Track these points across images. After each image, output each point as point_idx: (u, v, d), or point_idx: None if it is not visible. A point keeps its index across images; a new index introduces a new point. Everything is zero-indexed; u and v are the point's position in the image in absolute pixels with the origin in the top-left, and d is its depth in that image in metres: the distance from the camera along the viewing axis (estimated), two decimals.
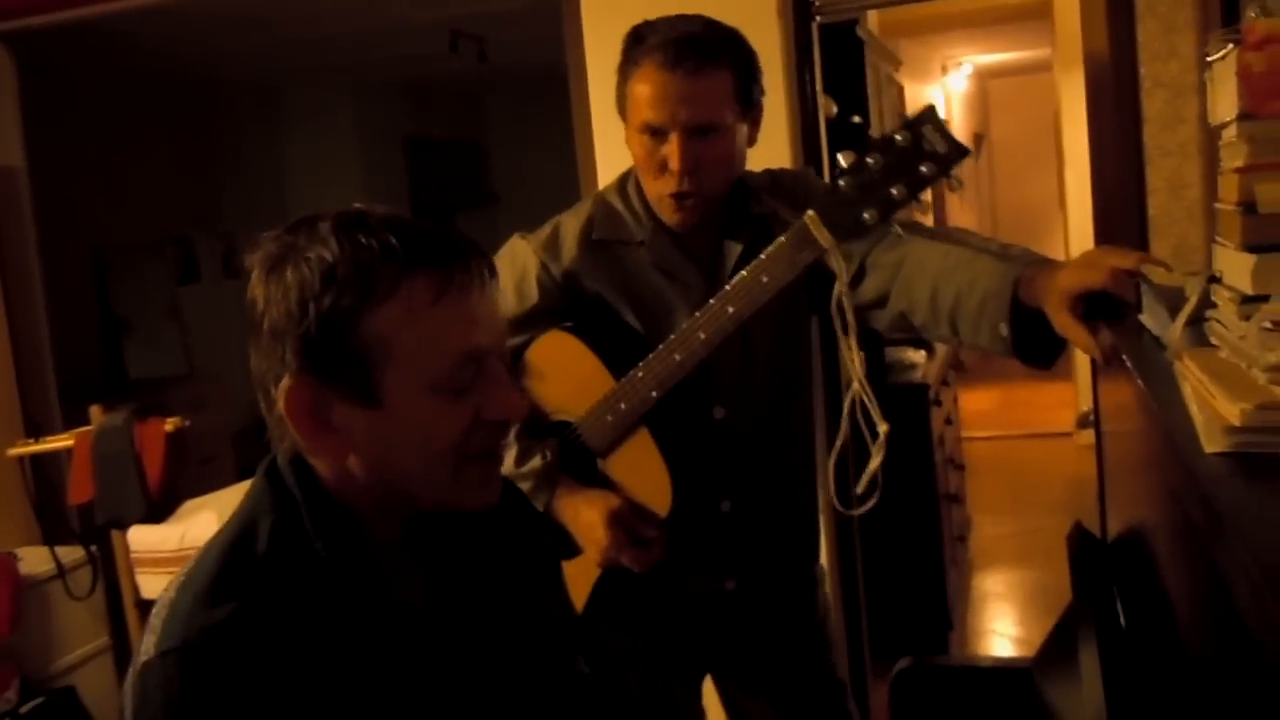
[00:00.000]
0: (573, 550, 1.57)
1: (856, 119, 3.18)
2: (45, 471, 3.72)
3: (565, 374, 1.59)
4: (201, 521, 3.14)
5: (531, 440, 1.58)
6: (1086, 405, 5.85)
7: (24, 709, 2.95)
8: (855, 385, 1.40)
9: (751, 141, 1.57)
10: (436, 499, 0.95)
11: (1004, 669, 1.36)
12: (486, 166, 8.53)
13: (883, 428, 1.38)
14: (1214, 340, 0.72)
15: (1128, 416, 1.19)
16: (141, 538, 3.14)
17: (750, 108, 1.52)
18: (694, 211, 1.52)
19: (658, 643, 1.65)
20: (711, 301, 1.43)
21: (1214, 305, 0.73)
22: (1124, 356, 0.91)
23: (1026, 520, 4.86)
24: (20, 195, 3.92)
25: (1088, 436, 5.86)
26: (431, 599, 1.00)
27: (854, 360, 1.39)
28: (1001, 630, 3.85)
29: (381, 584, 0.95)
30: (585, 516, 1.52)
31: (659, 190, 1.53)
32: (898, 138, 1.27)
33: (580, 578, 1.57)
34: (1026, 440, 6.31)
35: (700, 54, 1.44)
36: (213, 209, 6.51)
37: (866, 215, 1.31)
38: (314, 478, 0.95)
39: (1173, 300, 0.78)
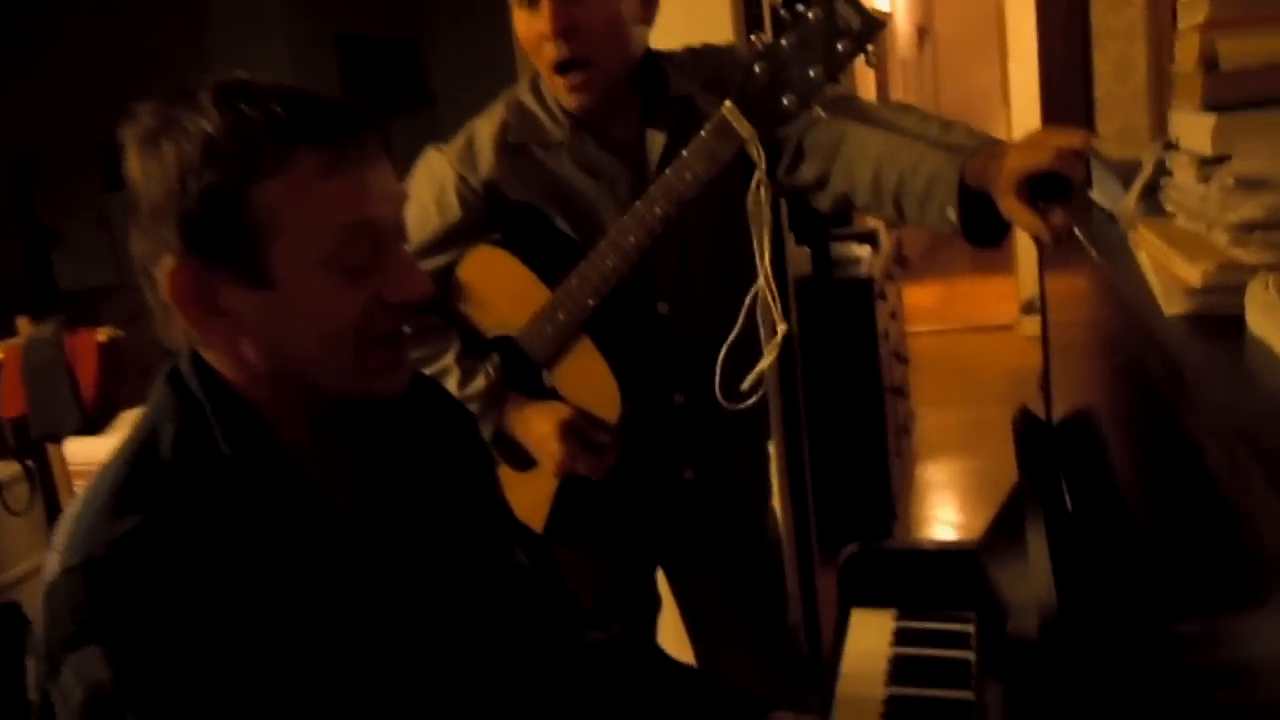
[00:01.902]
0: (528, 462, 1.56)
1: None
2: None
3: (499, 289, 1.56)
4: None
5: (473, 360, 1.55)
6: (1029, 295, 5.93)
7: None
8: (760, 280, 1.37)
9: (648, 18, 1.50)
10: (340, 385, 0.91)
11: (949, 551, 1.38)
12: (424, 66, 8.28)
13: (781, 328, 1.36)
14: (1170, 208, 0.70)
15: (1076, 302, 1.19)
16: (79, 450, 3.09)
17: None
18: (590, 89, 1.45)
19: (616, 536, 1.66)
20: (638, 203, 1.40)
21: (1168, 174, 0.71)
22: (1075, 231, 0.90)
23: (969, 411, 4.94)
24: None
25: (1030, 328, 5.95)
26: (357, 499, 0.96)
27: (764, 254, 1.36)
28: (944, 518, 3.94)
29: (298, 486, 0.91)
30: (537, 429, 1.51)
31: (545, 66, 1.46)
32: (809, 14, 1.23)
33: (539, 490, 1.57)
34: (969, 334, 6.39)
35: None
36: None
37: (786, 102, 1.27)
38: (216, 379, 0.91)
39: (1125, 174, 0.76)
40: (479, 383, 1.53)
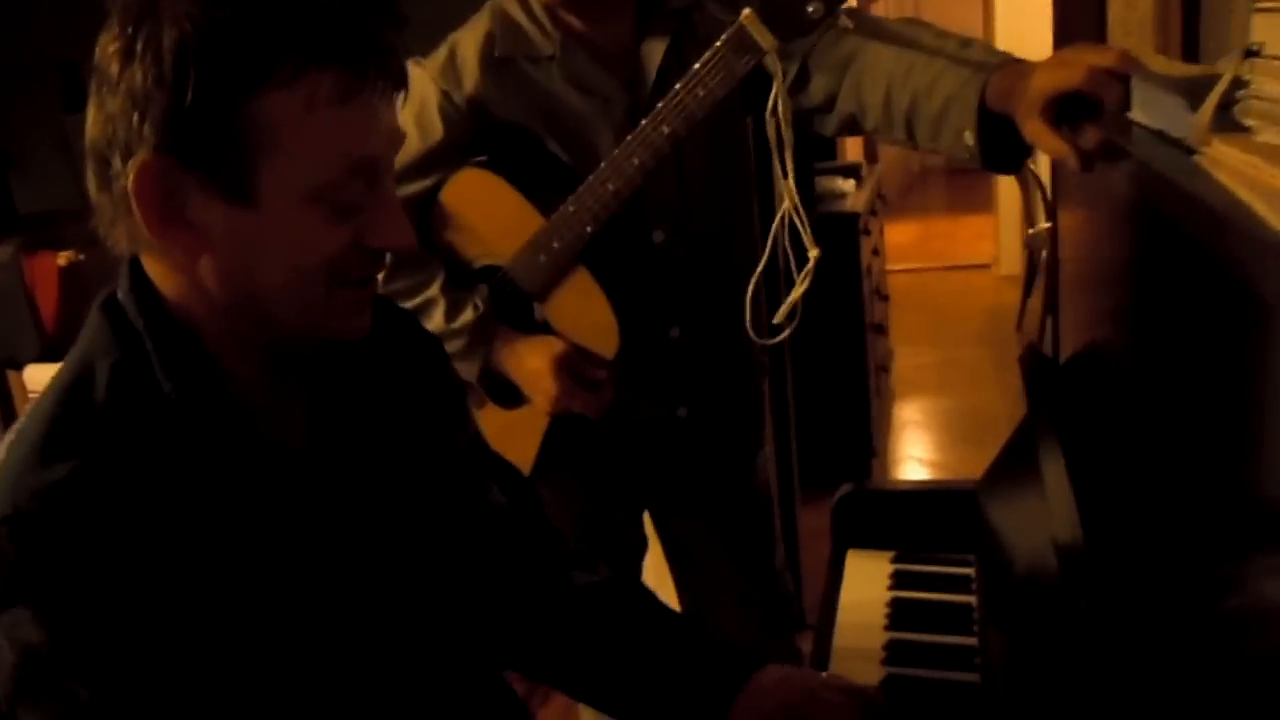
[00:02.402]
0: (517, 399, 1.49)
1: None
2: None
3: (486, 215, 1.47)
4: None
5: (459, 292, 1.46)
6: (1010, 240, 5.88)
7: None
8: (786, 203, 1.30)
9: None
10: (299, 323, 0.83)
11: (947, 491, 1.34)
12: None
13: (813, 253, 1.29)
14: (1252, 122, 0.64)
15: (1090, 241, 1.13)
16: (39, 376, 3.00)
17: None
18: None
19: (604, 473, 1.60)
20: (644, 122, 1.32)
21: (1245, 85, 0.65)
22: (1116, 150, 0.84)
23: (945, 351, 4.93)
24: None
25: (1008, 266, 5.92)
26: (316, 440, 0.88)
27: (789, 177, 1.29)
28: (919, 456, 3.93)
29: (247, 426, 0.83)
30: (530, 365, 1.44)
31: None
32: None
33: (527, 428, 1.50)
34: (946, 272, 6.36)
35: None
36: (97, 28, 6.05)
37: (811, 9, 1.19)
38: (159, 306, 0.81)
39: (1185, 87, 0.70)
40: (467, 315, 1.44)
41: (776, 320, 1.34)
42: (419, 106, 1.45)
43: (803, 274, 1.30)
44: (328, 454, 0.88)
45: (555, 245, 1.39)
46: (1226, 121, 0.65)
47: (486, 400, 1.52)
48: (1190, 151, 0.66)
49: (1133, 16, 1.82)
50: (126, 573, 0.74)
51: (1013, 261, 5.86)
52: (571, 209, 1.37)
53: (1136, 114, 0.85)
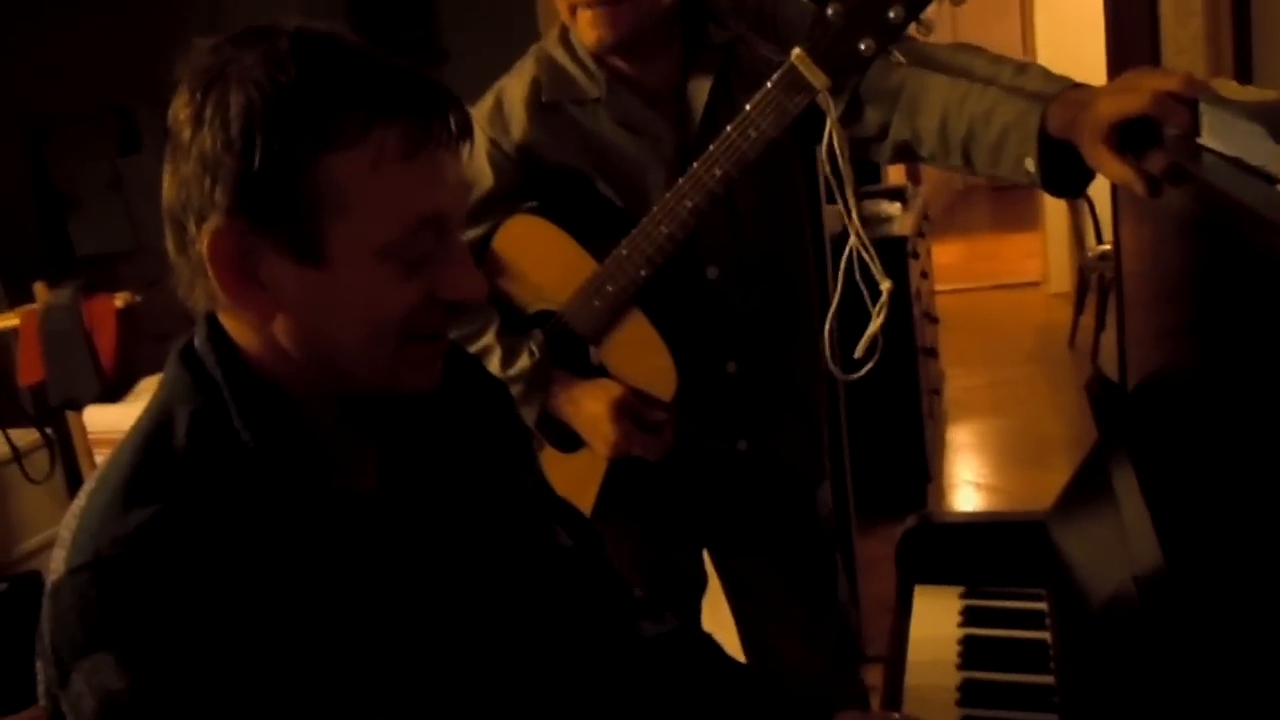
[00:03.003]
0: (575, 444, 1.48)
1: None
2: None
3: (539, 261, 1.46)
4: None
5: (514, 337, 1.46)
6: (1059, 257, 5.81)
7: None
8: (853, 239, 1.29)
9: None
10: (372, 378, 0.83)
11: (1015, 523, 1.31)
12: (435, 22, 8.16)
13: (885, 285, 1.28)
14: None
15: (1156, 253, 1.11)
16: (99, 418, 3.04)
17: None
18: (615, 25, 1.34)
19: (664, 512, 1.59)
20: (695, 165, 1.31)
21: None
22: (1182, 175, 0.82)
23: (996, 371, 4.87)
24: None
25: (1057, 284, 5.84)
26: (386, 485, 0.89)
27: (851, 210, 1.28)
28: (975, 480, 3.87)
29: (323, 473, 0.83)
30: (588, 410, 1.43)
31: (566, 6, 1.37)
32: None
33: (586, 472, 1.49)
34: (994, 291, 6.30)
35: None
36: (152, 76, 6.12)
37: (863, 46, 1.18)
38: (236, 356, 0.83)
39: (1264, 115, 0.68)
40: (523, 362, 1.44)
41: (857, 355, 1.33)
42: (476, 157, 1.45)
43: (878, 307, 1.30)
44: (398, 499, 0.89)
45: (609, 289, 1.39)
46: None
47: (545, 445, 1.52)
48: (1272, 180, 0.64)
49: (1185, 34, 1.80)
50: (206, 618, 0.74)
51: (1062, 278, 5.79)
52: (625, 252, 1.36)
53: (1208, 139, 0.83)
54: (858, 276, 1.31)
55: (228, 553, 0.76)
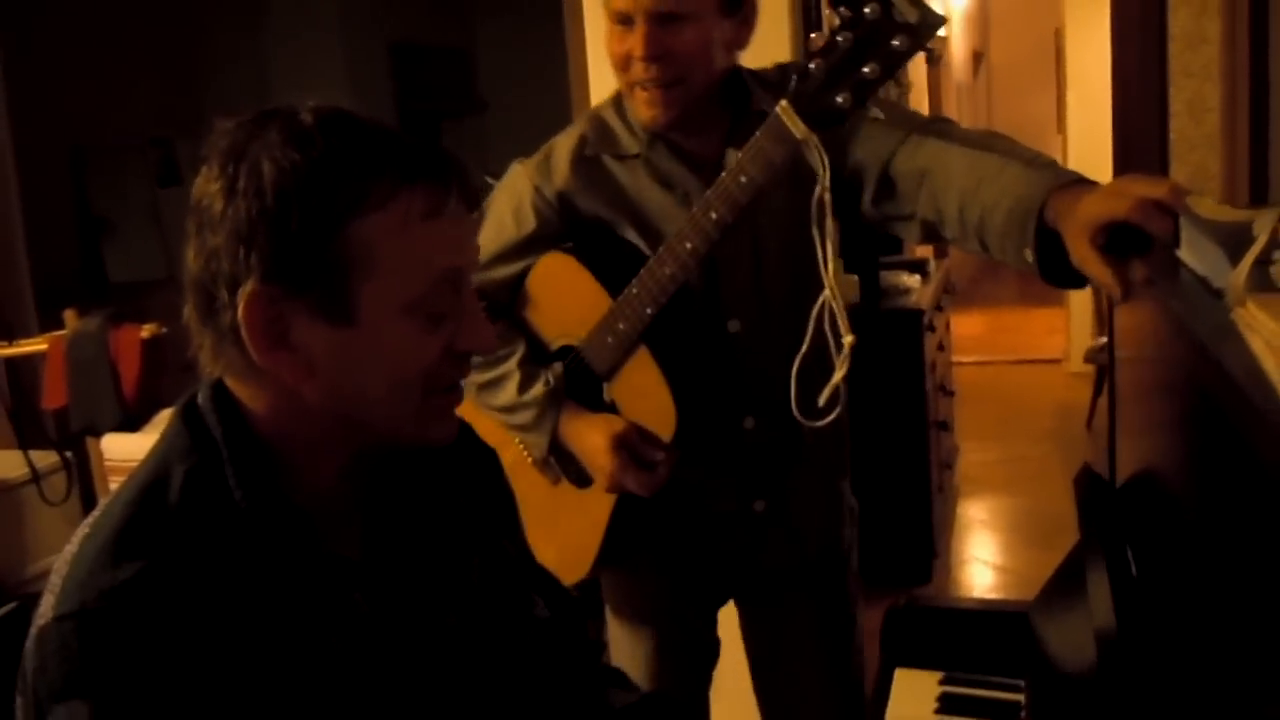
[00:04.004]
0: (586, 479, 1.54)
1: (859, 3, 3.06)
2: (20, 375, 3.65)
3: (565, 297, 1.54)
4: None
5: (535, 366, 1.53)
6: (1081, 334, 5.81)
7: None
8: (826, 292, 1.34)
9: (740, 43, 1.47)
10: (397, 431, 0.87)
11: (998, 612, 1.32)
12: (474, 74, 8.33)
13: (848, 339, 1.32)
14: None
15: (1149, 342, 1.12)
16: (116, 446, 3.09)
17: (734, 10, 1.43)
18: (668, 106, 1.42)
19: (682, 563, 1.62)
20: (695, 208, 1.38)
21: None
22: (1164, 297, 0.84)
23: (1013, 447, 4.85)
24: None
25: (1078, 363, 5.83)
26: (371, 551, 0.91)
27: (827, 266, 1.32)
28: (984, 558, 3.85)
29: (312, 537, 0.86)
30: (589, 441, 1.49)
31: (628, 83, 1.44)
32: (866, 10, 1.19)
33: (597, 508, 1.53)
34: (1016, 366, 6.29)
35: None
36: (194, 111, 6.32)
37: (840, 99, 1.24)
38: (239, 417, 0.85)
39: (1225, 237, 0.70)
40: (537, 389, 1.50)
41: (821, 402, 1.37)
42: (516, 200, 1.55)
43: (840, 358, 1.33)
44: (380, 565, 0.91)
45: (620, 326, 1.45)
46: (1263, 280, 0.65)
47: (561, 478, 1.57)
48: (1227, 305, 0.66)
49: (1199, 132, 1.82)
50: (182, 676, 0.76)
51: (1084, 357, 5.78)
52: (635, 291, 1.43)
53: (1185, 254, 0.85)
54: (826, 328, 1.34)
55: (209, 613, 0.78)
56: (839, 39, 1.21)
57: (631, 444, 1.45)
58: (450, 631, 0.94)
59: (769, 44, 2.28)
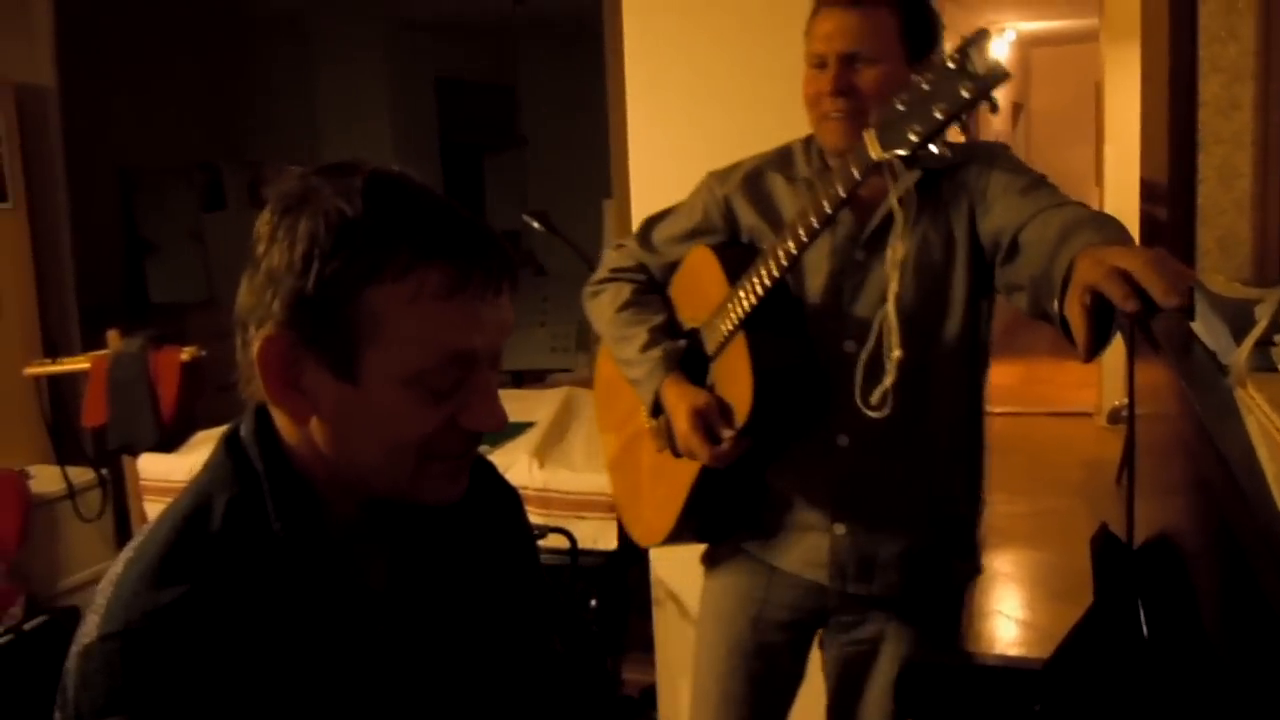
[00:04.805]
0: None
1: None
2: (61, 392, 3.73)
3: (699, 286, 1.70)
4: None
5: (662, 334, 1.71)
6: (1113, 389, 5.78)
7: (28, 626, 2.97)
8: (888, 305, 1.45)
9: None
10: (393, 490, 0.90)
11: (1012, 670, 1.32)
12: (516, 110, 8.45)
13: (895, 353, 1.44)
14: None
15: (1166, 404, 1.13)
16: (152, 466, 3.15)
17: (918, 58, 1.55)
18: (850, 135, 1.51)
19: (766, 580, 1.71)
20: (794, 217, 1.51)
21: None
22: (1178, 375, 0.86)
23: (1040, 501, 4.82)
24: (49, 115, 3.90)
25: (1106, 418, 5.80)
26: (395, 583, 0.95)
27: (892, 282, 1.44)
28: (1007, 612, 3.82)
29: (342, 568, 0.89)
30: (675, 405, 1.64)
31: (819, 114, 1.58)
32: (949, 61, 1.29)
33: (682, 474, 1.69)
34: (1046, 418, 6.26)
35: None
36: (241, 138, 6.46)
37: (911, 134, 1.33)
38: (279, 449, 0.90)
39: (1233, 314, 0.73)
40: (655, 352, 1.68)
41: (873, 401, 1.48)
42: (696, 196, 1.75)
43: (889, 367, 1.45)
44: (403, 598, 0.94)
45: (728, 314, 1.60)
46: (1265, 361, 0.67)
47: (666, 447, 1.73)
48: (1230, 384, 0.68)
49: (1228, 198, 1.84)
50: (218, 697, 0.80)
51: (1107, 417, 5.75)
52: (743, 284, 1.57)
53: (1198, 328, 0.88)
54: (883, 340, 1.46)
55: (245, 637, 0.82)
56: (922, 83, 1.31)
57: (707, 416, 1.60)
58: (467, 665, 0.97)
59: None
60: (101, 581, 0.87)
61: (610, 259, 1.84)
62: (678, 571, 2.60)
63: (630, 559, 2.75)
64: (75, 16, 3.98)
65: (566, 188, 7.61)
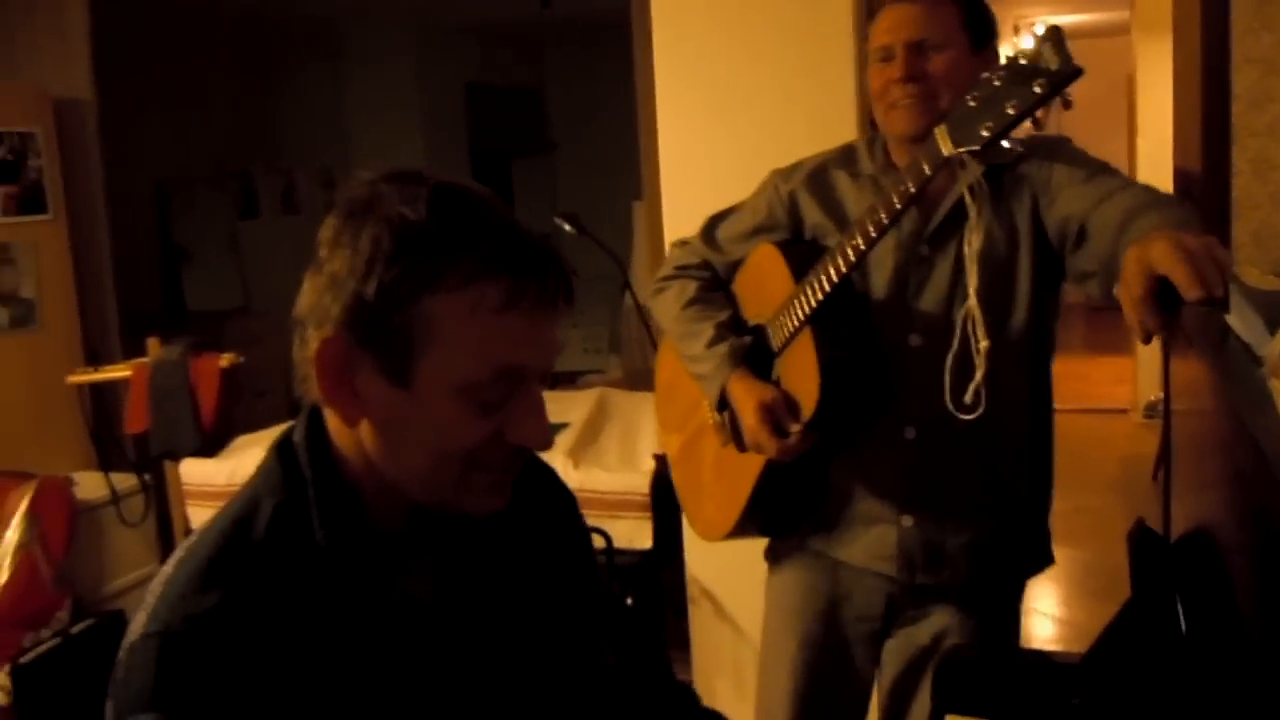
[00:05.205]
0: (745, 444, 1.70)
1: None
2: (104, 400, 3.80)
3: (764, 283, 1.71)
4: (251, 458, 3.18)
5: (727, 330, 1.73)
6: (1148, 385, 5.73)
7: (75, 629, 3.02)
8: (970, 300, 1.47)
9: None
10: (436, 499, 0.91)
11: (1050, 663, 1.33)
12: (545, 114, 8.49)
13: (984, 343, 1.46)
14: None
15: (1202, 398, 1.14)
16: (193, 471, 3.20)
17: (980, 49, 1.57)
18: (921, 115, 1.54)
19: (832, 572, 1.73)
20: (864, 212, 1.51)
21: None
22: (1213, 368, 0.87)
23: (1076, 498, 4.78)
24: (88, 127, 3.97)
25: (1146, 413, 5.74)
26: (441, 593, 0.95)
27: (972, 278, 1.47)
28: (1044, 610, 3.80)
29: (386, 577, 0.90)
30: (743, 400, 1.65)
31: (887, 104, 1.58)
32: (1021, 58, 1.31)
33: (747, 468, 1.71)
34: (1081, 415, 6.20)
35: None
36: (273, 146, 6.54)
37: (983, 130, 1.34)
38: (329, 456, 0.91)
39: (1268, 307, 0.73)
40: (722, 348, 1.69)
41: (966, 399, 1.48)
42: (761, 193, 1.77)
43: (979, 361, 1.46)
44: (451, 607, 0.94)
45: (795, 310, 1.61)
46: None
47: (730, 441, 1.74)
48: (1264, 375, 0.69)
49: (1263, 190, 1.83)
50: (251, 702, 0.81)
51: (1143, 412, 5.69)
52: (810, 279, 1.58)
53: (1233, 320, 0.88)
54: (970, 332, 1.48)
55: (282, 645, 0.83)
56: (994, 80, 1.32)
57: (774, 410, 1.61)
58: (514, 676, 0.97)
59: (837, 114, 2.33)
60: (154, 579, 0.89)
61: (674, 256, 1.85)
62: (713, 570, 2.62)
63: (666, 558, 2.77)
64: (110, 30, 4.04)
65: (594, 190, 7.64)
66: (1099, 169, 1.53)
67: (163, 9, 5.48)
